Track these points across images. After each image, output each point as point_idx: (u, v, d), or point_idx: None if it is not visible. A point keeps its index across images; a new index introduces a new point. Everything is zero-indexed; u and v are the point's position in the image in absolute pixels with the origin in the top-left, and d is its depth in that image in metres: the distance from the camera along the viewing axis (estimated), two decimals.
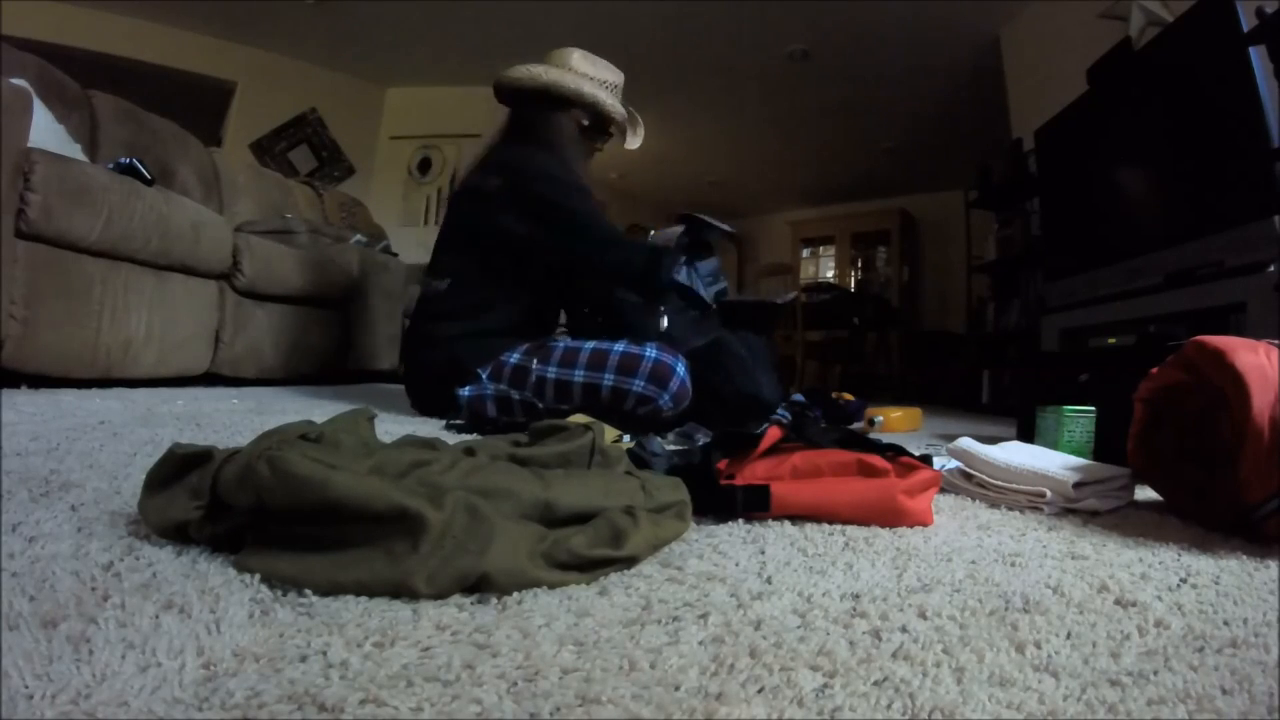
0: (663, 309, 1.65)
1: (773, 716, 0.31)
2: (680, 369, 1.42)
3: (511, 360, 1.46)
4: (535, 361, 1.45)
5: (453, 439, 0.97)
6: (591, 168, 1.77)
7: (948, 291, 6.05)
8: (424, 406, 1.61)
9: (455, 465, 0.54)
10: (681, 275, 1.62)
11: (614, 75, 1.72)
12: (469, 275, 1.57)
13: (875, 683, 0.34)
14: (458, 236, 1.63)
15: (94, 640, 0.34)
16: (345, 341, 2.71)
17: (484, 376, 1.47)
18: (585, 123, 1.67)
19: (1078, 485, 0.81)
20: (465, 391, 1.46)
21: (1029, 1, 3.46)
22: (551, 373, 1.43)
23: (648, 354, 1.41)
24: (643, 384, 1.40)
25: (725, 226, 1.71)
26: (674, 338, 1.57)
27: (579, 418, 0.86)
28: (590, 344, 1.45)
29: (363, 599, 0.42)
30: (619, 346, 1.43)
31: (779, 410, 1.49)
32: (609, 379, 1.41)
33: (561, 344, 1.47)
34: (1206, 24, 1.56)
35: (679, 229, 1.69)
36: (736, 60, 4.31)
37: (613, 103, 1.67)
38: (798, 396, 1.89)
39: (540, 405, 1.44)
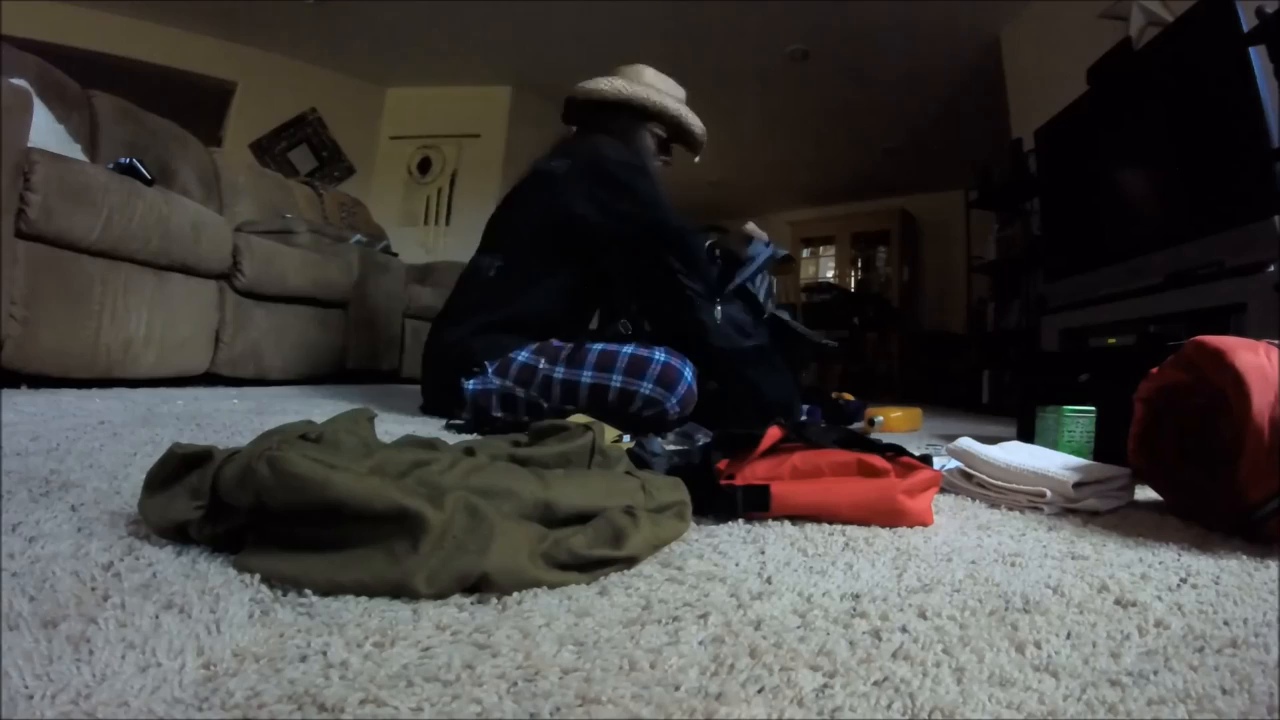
0: (718, 306, 1.64)
1: (773, 716, 0.31)
2: (688, 373, 1.41)
3: (519, 358, 1.46)
4: (543, 361, 1.44)
5: (453, 439, 0.97)
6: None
7: (948, 291, 6.05)
8: (433, 396, 1.60)
9: (455, 465, 0.54)
10: (754, 281, 1.66)
11: (681, 91, 1.76)
12: (516, 260, 1.58)
13: (875, 683, 0.34)
14: (513, 217, 1.65)
15: (94, 640, 0.34)
16: (345, 341, 2.71)
17: (490, 371, 1.46)
18: (662, 135, 1.70)
19: (1078, 485, 0.81)
20: (470, 385, 1.46)
21: (1029, 1, 3.46)
22: (559, 373, 1.43)
23: (656, 357, 1.41)
24: (650, 386, 1.39)
25: (783, 251, 1.75)
26: (722, 333, 1.56)
27: (579, 418, 0.86)
28: (598, 345, 1.45)
29: (363, 599, 0.42)
30: (628, 349, 1.43)
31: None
32: (617, 380, 1.40)
33: (568, 345, 1.47)
34: (1206, 24, 1.55)
35: (768, 247, 1.73)
36: (736, 60, 4.31)
37: (693, 118, 1.71)
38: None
39: (546, 405, 1.43)
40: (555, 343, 1.49)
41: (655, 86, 1.69)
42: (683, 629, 0.40)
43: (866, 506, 0.70)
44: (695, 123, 1.72)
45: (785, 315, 1.78)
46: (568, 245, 1.55)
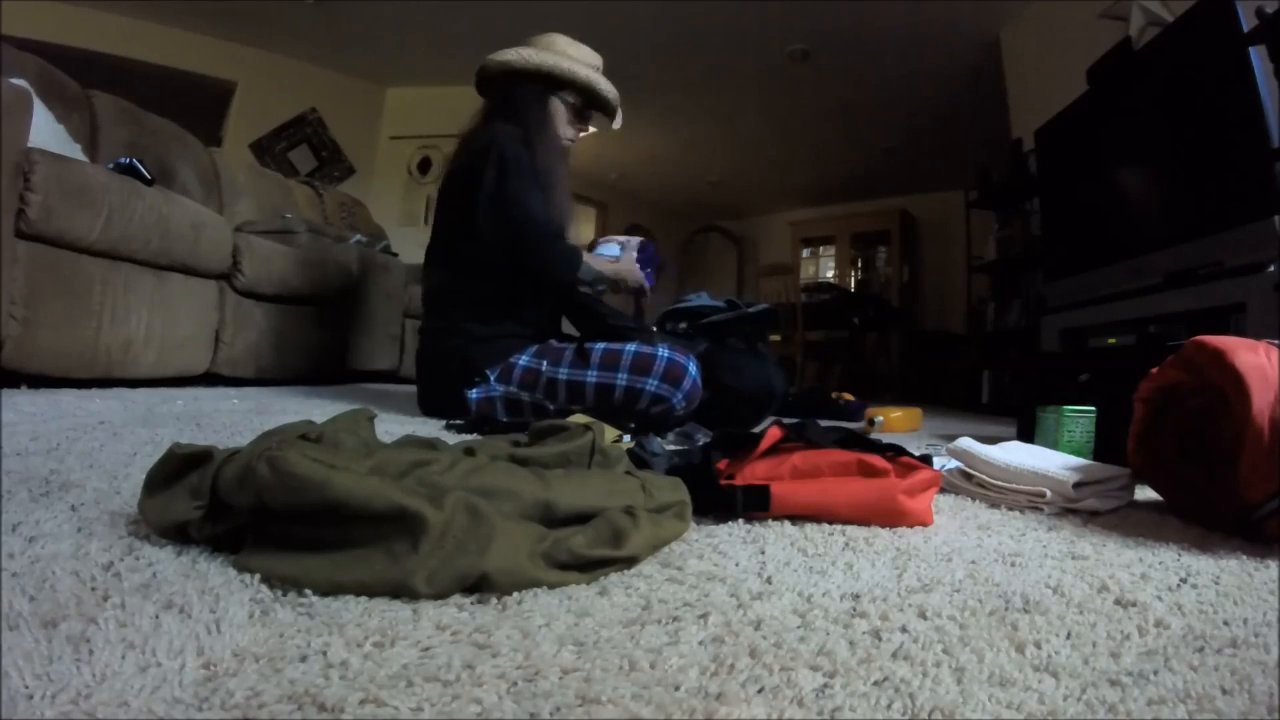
0: (596, 291, 1.62)
1: (773, 716, 0.31)
2: (692, 368, 1.43)
3: (520, 362, 1.46)
4: (545, 363, 1.45)
5: (453, 439, 0.97)
6: (575, 150, 1.78)
7: (948, 291, 6.05)
8: (432, 406, 1.61)
9: (455, 465, 0.54)
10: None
11: (597, 58, 1.73)
12: (450, 271, 1.58)
13: (875, 683, 0.34)
14: (442, 226, 1.64)
15: (94, 640, 0.34)
16: (345, 341, 2.71)
17: (492, 378, 1.46)
18: (574, 102, 1.66)
19: (1078, 485, 0.81)
20: (474, 394, 1.46)
21: (1029, 1, 3.46)
22: (563, 374, 1.43)
23: (660, 353, 1.42)
24: (656, 383, 1.40)
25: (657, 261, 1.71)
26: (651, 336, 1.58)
27: (579, 418, 0.86)
28: (601, 345, 1.46)
29: (363, 599, 0.42)
30: (631, 347, 1.44)
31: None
32: (623, 379, 1.41)
33: (570, 346, 1.48)
34: (1206, 24, 1.55)
35: (635, 240, 1.71)
36: (736, 60, 4.31)
37: (606, 84, 1.67)
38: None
39: (552, 407, 1.44)
40: (555, 343, 1.49)
41: (566, 54, 1.66)
42: (683, 629, 0.40)
43: (866, 506, 0.70)
44: (606, 88, 1.67)
45: (695, 303, 1.75)
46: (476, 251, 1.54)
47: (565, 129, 1.66)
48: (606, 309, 1.69)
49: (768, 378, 1.62)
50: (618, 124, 1.78)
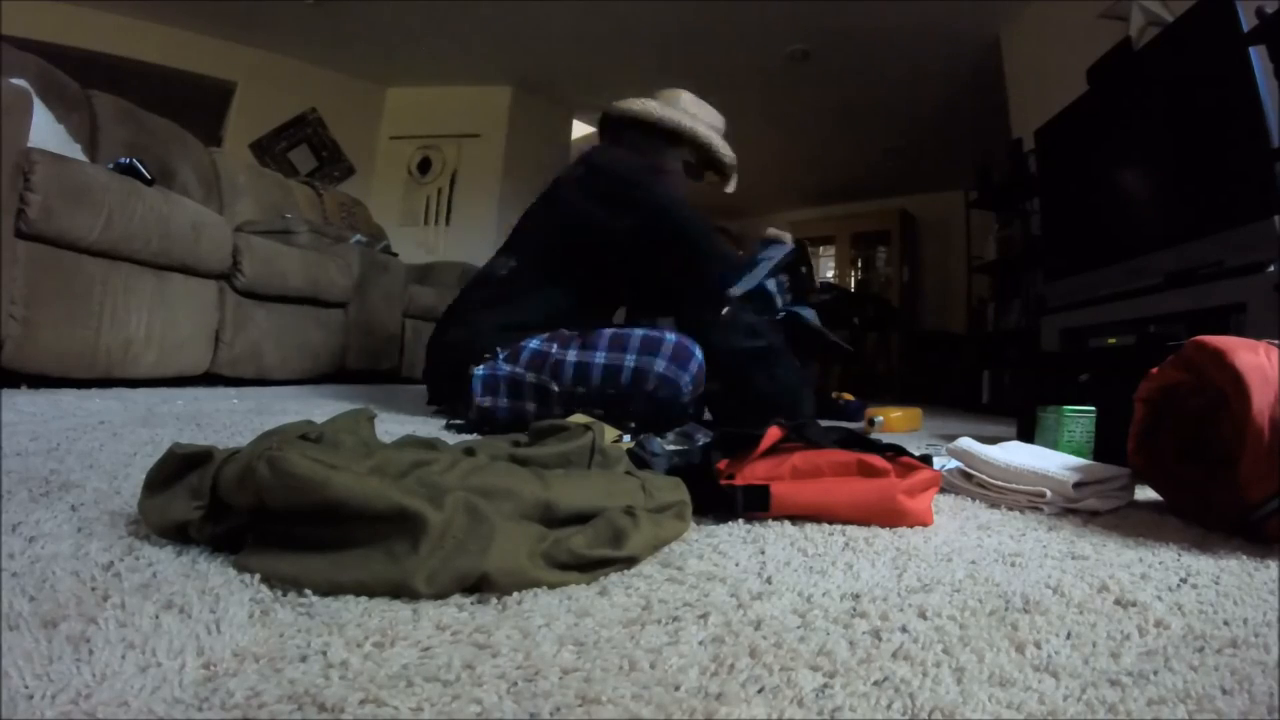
0: (724, 308, 1.63)
1: (773, 716, 0.31)
2: (698, 352, 1.43)
3: (530, 345, 1.46)
4: (555, 346, 1.45)
5: (453, 439, 0.97)
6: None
7: (948, 291, 6.05)
8: (438, 387, 1.61)
9: (455, 465, 0.54)
10: (768, 282, 1.67)
11: (720, 120, 1.76)
12: (528, 264, 1.60)
13: (875, 683, 0.34)
14: (529, 222, 1.68)
15: (94, 640, 0.34)
16: (345, 341, 2.71)
17: (500, 357, 1.46)
18: (691, 161, 1.70)
19: (1078, 485, 0.81)
20: (480, 370, 1.46)
21: (1029, 1, 3.46)
22: (571, 355, 1.43)
23: (668, 337, 1.43)
24: (664, 364, 1.40)
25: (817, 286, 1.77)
26: (726, 334, 1.57)
27: (579, 418, 0.86)
28: (609, 330, 1.47)
29: (363, 599, 0.42)
30: (639, 331, 1.45)
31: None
32: (630, 359, 1.41)
33: (578, 333, 1.48)
34: (1206, 24, 1.55)
35: (787, 246, 1.74)
36: (736, 60, 4.31)
37: (724, 147, 1.71)
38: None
39: (556, 389, 1.43)
40: (566, 331, 1.50)
41: (688, 111, 1.70)
42: (683, 629, 0.40)
43: (866, 507, 0.70)
44: (726, 151, 1.71)
45: (804, 312, 1.76)
46: (577, 251, 1.56)
47: (680, 186, 1.70)
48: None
49: (796, 393, 1.59)
50: (731, 188, 1.81)
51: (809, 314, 1.77)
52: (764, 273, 1.65)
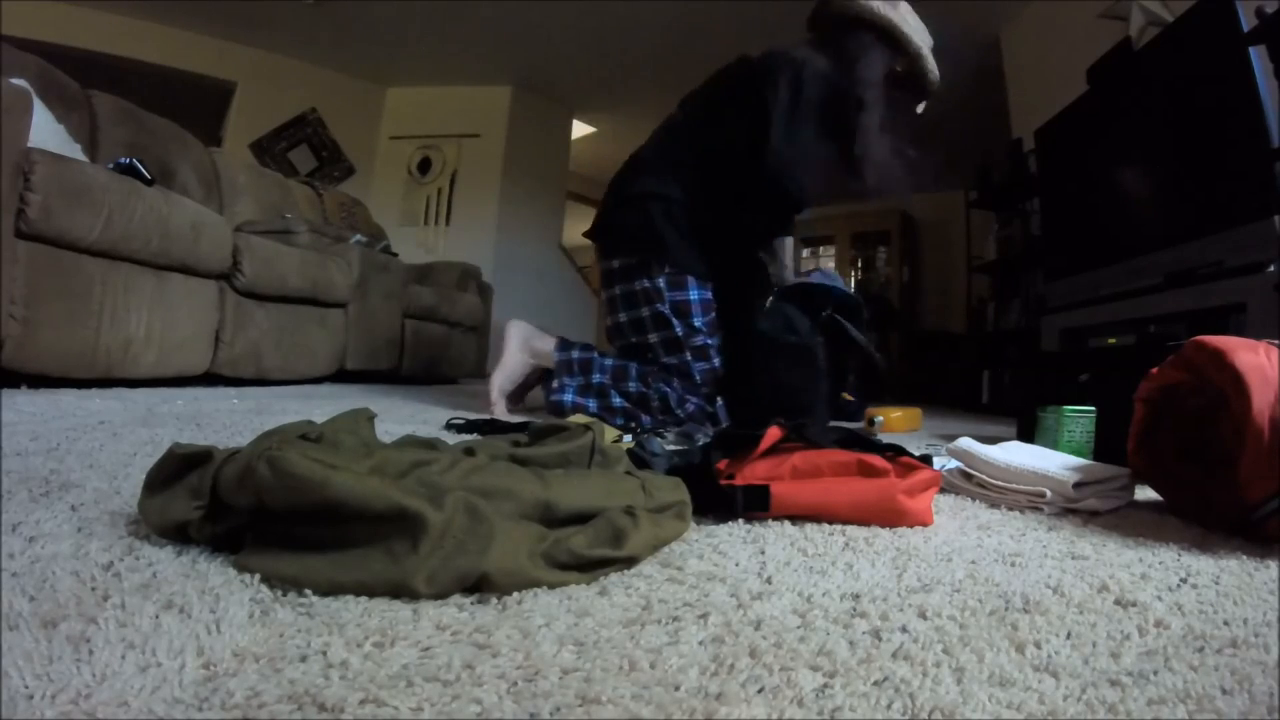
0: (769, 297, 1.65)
1: (773, 716, 0.31)
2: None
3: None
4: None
5: (453, 439, 0.97)
6: (906, 128, 1.71)
7: (948, 291, 6.05)
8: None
9: (455, 465, 0.54)
10: (820, 277, 1.71)
11: (930, 39, 1.72)
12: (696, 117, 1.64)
13: (875, 683, 0.34)
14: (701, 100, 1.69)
15: (94, 640, 0.34)
16: (345, 341, 2.71)
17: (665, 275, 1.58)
18: (897, 70, 1.66)
19: (1078, 485, 0.81)
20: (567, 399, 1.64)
21: (1029, 1, 3.46)
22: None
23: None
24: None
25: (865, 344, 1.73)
26: (765, 320, 1.61)
27: (579, 418, 0.86)
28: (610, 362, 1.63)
29: (363, 599, 0.42)
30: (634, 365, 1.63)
31: None
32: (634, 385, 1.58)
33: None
34: (1206, 24, 1.55)
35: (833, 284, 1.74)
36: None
37: (933, 62, 1.68)
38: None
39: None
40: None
41: (907, 21, 1.66)
42: (683, 629, 0.40)
43: (866, 506, 0.70)
44: (933, 68, 1.67)
45: (848, 323, 1.76)
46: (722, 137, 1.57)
47: (883, 91, 1.66)
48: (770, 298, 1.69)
49: (816, 397, 1.62)
50: (920, 109, 1.76)
51: (854, 329, 1.76)
52: (821, 280, 1.66)
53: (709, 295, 1.60)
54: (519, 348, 1.83)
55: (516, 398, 1.91)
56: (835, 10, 1.65)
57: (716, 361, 1.56)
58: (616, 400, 1.62)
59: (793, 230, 1.61)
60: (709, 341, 1.57)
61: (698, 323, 1.57)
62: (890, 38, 1.62)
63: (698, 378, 1.55)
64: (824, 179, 1.58)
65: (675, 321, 1.57)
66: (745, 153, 1.52)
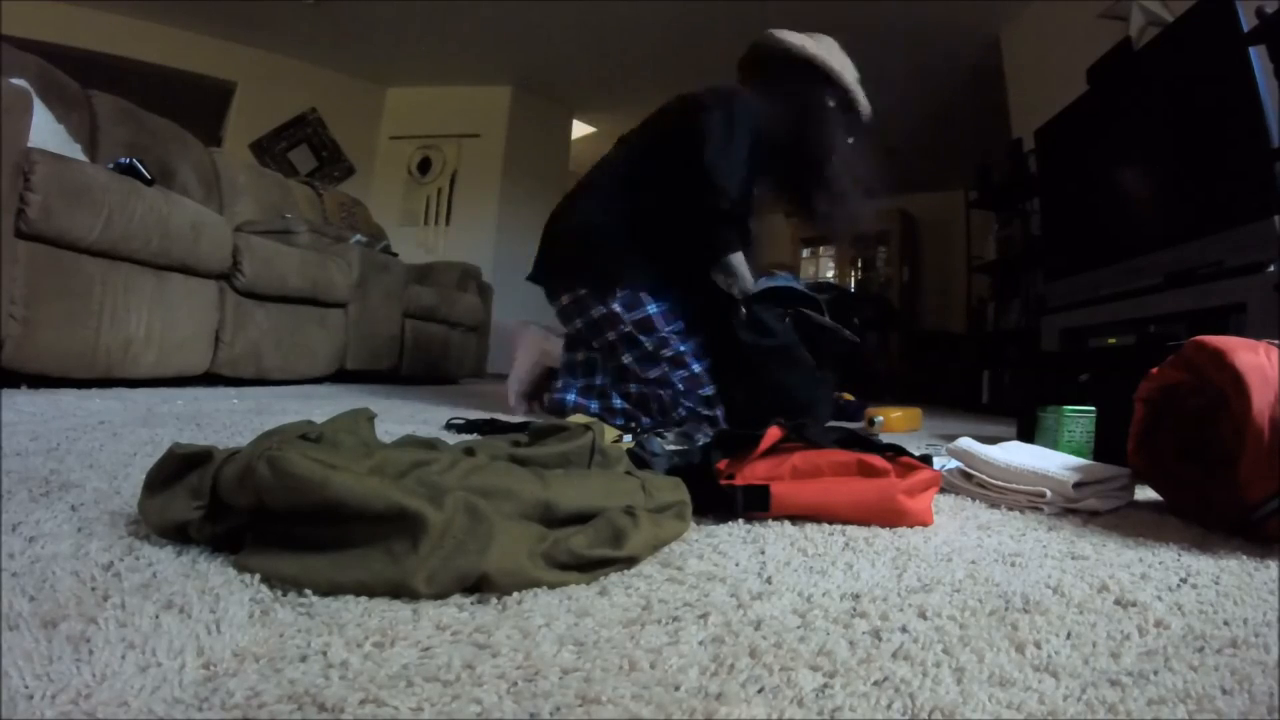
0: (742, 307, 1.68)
1: (773, 716, 0.31)
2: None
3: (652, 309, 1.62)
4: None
5: (453, 439, 0.97)
6: (857, 162, 1.75)
7: (948, 291, 6.05)
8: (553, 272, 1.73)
9: (455, 465, 0.54)
10: (784, 280, 1.74)
11: (855, 73, 1.77)
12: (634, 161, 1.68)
13: (875, 683, 0.34)
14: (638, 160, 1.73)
15: (94, 640, 0.34)
16: (345, 341, 2.71)
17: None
18: (831, 105, 1.70)
19: (1078, 485, 0.81)
20: (570, 397, 1.66)
21: (1029, 1, 3.46)
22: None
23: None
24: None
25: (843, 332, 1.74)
26: (746, 332, 1.63)
27: (579, 418, 0.86)
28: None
29: (363, 599, 0.42)
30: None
31: None
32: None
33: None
34: (1206, 24, 1.55)
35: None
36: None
37: (863, 96, 1.72)
38: None
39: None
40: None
41: (834, 55, 1.72)
42: (683, 629, 0.40)
43: (866, 506, 0.70)
44: (863, 100, 1.71)
45: (813, 312, 1.78)
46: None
47: (835, 129, 1.71)
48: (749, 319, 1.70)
49: (815, 392, 1.65)
50: (852, 142, 1.79)
51: (816, 313, 1.78)
52: (780, 283, 1.68)
53: (669, 304, 1.62)
54: (530, 350, 1.85)
55: (535, 398, 1.93)
56: (764, 52, 1.72)
57: (696, 367, 1.57)
58: (617, 402, 1.63)
59: (740, 246, 1.60)
60: (682, 348, 1.58)
61: (665, 332, 1.59)
62: (820, 74, 1.67)
63: (680, 385, 1.56)
64: (756, 194, 1.62)
65: (642, 338, 1.59)
66: (682, 175, 1.56)
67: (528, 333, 1.90)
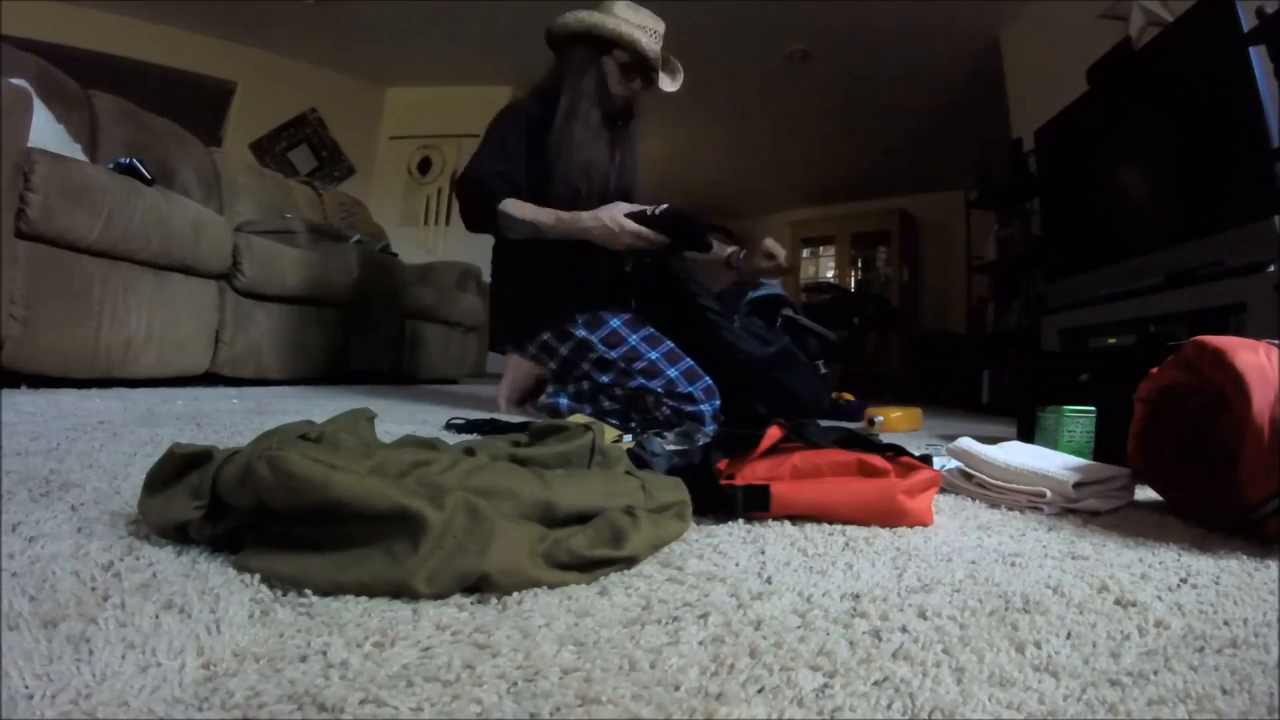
0: (735, 319, 1.73)
1: (773, 716, 0.31)
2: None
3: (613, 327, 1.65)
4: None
5: (453, 439, 0.97)
6: (638, 103, 1.83)
7: (948, 291, 6.05)
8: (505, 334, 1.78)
9: (455, 465, 0.54)
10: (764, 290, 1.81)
11: (655, 22, 1.77)
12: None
13: (875, 683, 0.34)
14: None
15: (94, 640, 0.34)
16: (345, 341, 2.71)
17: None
18: (625, 61, 1.72)
19: (1078, 485, 0.81)
20: (561, 402, 1.69)
21: (1029, 1, 3.46)
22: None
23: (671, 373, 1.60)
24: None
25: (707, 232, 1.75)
26: (743, 344, 1.68)
27: (579, 418, 0.86)
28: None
29: (363, 599, 0.42)
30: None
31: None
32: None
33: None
34: (1206, 24, 1.55)
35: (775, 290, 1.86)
36: (736, 60, 4.31)
37: (648, 42, 1.72)
38: None
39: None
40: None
41: (615, 14, 1.72)
42: (683, 629, 0.40)
43: (866, 506, 0.70)
44: (649, 47, 1.71)
45: (794, 313, 1.85)
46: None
47: (618, 87, 1.74)
48: (700, 289, 1.73)
49: (817, 388, 1.70)
50: (668, 86, 1.81)
51: (796, 314, 1.86)
52: (769, 291, 1.77)
53: (629, 314, 1.65)
54: (519, 365, 1.88)
55: (523, 402, 1.97)
56: (550, 39, 1.77)
57: (672, 373, 1.56)
58: (607, 404, 1.64)
59: (493, 199, 1.64)
60: (653, 355, 1.59)
61: (633, 341, 1.60)
62: (596, 39, 1.69)
63: (660, 390, 1.56)
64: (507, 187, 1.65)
65: (613, 354, 1.60)
66: (540, 191, 1.64)
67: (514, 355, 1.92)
